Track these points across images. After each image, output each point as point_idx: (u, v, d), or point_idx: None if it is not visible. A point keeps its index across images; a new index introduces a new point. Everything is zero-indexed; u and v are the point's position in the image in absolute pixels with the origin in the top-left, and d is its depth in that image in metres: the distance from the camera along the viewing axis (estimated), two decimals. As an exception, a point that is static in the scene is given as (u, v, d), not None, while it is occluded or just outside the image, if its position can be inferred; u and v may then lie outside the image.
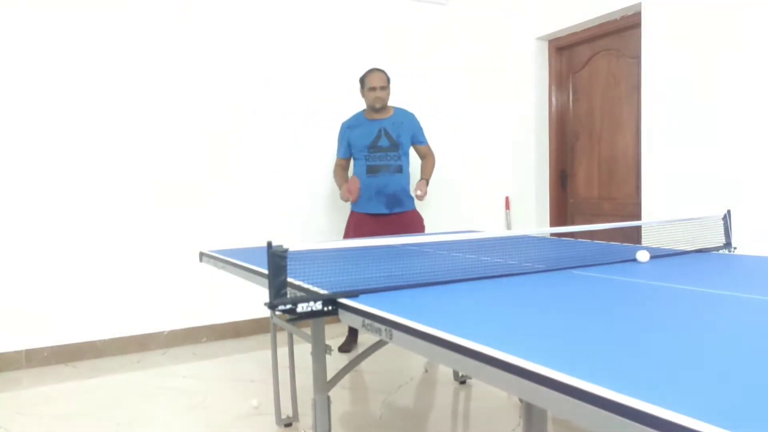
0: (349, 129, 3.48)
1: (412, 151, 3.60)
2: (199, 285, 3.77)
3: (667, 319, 1.04)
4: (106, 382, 3.06)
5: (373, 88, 3.38)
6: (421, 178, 3.45)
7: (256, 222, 3.93)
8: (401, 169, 3.47)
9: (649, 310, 1.12)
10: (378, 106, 3.39)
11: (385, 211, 3.44)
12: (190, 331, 3.76)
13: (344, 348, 3.49)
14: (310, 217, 4.11)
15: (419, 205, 3.72)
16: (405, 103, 4.42)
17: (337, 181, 3.54)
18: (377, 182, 3.41)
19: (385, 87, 3.39)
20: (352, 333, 3.61)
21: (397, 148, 3.43)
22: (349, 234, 3.52)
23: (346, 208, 4.21)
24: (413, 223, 3.52)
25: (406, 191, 3.51)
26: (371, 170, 3.41)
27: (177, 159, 3.69)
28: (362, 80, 3.45)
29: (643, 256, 1.81)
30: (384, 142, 3.41)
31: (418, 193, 3.34)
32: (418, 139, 3.57)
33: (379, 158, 3.41)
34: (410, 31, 4.46)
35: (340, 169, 3.54)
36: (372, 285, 1.44)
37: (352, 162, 3.57)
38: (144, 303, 3.62)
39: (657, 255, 1.91)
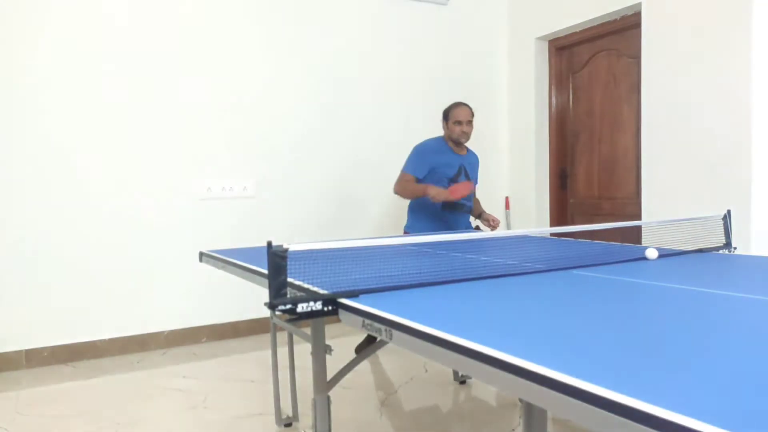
0: (435, 154, 3.32)
1: None
2: (199, 285, 3.77)
3: (667, 319, 1.04)
4: (106, 382, 3.06)
5: (459, 122, 3.30)
6: (483, 211, 3.49)
7: (256, 222, 3.93)
8: (471, 210, 3.45)
9: (649, 309, 1.12)
10: (464, 140, 3.34)
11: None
12: (190, 331, 3.76)
13: (359, 349, 3.42)
14: (311, 216, 4.11)
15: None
16: (404, 103, 4.43)
17: (413, 189, 3.23)
18: (452, 220, 3.34)
19: (471, 121, 3.34)
20: (369, 341, 3.47)
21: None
22: None
23: (349, 206, 4.21)
24: None
25: (470, 222, 3.49)
26: (449, 206, 3.31)
27: (177, 159, 3.69)
28: (447, 113, 3.38)
29: (651, 253, 1.82)
30: (463, 179, 3.36)
31: (492, 223, 3.34)
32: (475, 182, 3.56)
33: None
34: (410, 31, 4.46)
35: (410, 183, 3.26)
36: (372, 285, 1.44)
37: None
38: (144, 303, 3.62)
39: (658, 255, 1.91)
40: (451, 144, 3.39)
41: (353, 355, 3.37)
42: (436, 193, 3.11)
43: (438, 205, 3.29)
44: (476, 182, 3.56)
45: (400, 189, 3.31)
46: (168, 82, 3.65)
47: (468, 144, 3.54)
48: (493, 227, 3.34)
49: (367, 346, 3.45)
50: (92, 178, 3.47)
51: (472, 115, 3.36)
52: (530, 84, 4.47)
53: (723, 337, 0.91)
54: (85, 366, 3.35)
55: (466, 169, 3.40)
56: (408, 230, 3.45)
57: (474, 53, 4.72)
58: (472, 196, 3.44)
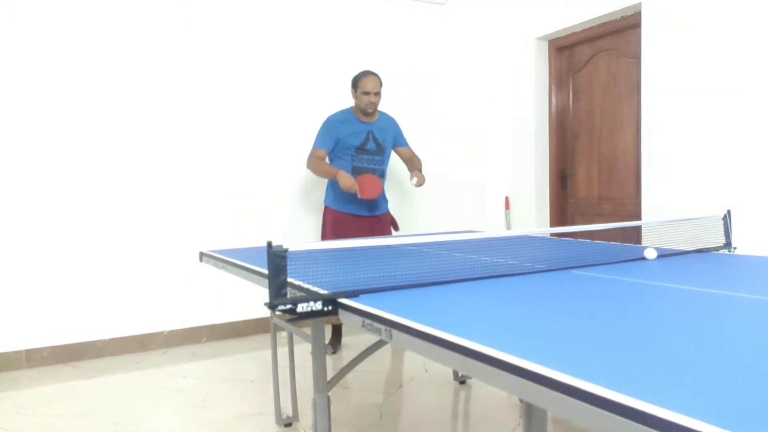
0: (340, 124, 3.37)
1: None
2: (199, 285, 3.77)
3: (667, 318, 1.04)
4: (106, 382, 3.06)
5: (367, 93, 3.32)
6: (415, 170, 3.47)
7: (256, 222, 3.93)
8: (383, 174, 3.49)
9: (649, 309, 1.12)
10: (371, 110, 3.37)
11: (366, 213, 3.44)
12: (190, 331, 3.76)
13: (331, 350, 3.48)
14: (311, 216, 4.11)
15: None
16: (404, 103, 4.43)
17: (324, 170, 3.33)
18: None
19: (379, 92, 3.37)
20: (336, 333, 3.59)
21: (382, 152, 3.45)
22: (326, 231, 3.46)
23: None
24: (387, 224, 3.56)
25: (384, 194, 3.53)
26: (357, 172, 3.36)
27: (177, 159, 3.69)
28: (356, 82, 3.37)
29: (650, 253, 1.82)
30: (371, 145, 3.41)
31: (414, 180, 3.33)
32: (400, 143, 3.59)
33: (366, 161, 3.40)
34: (410, 31, 4.46)
35: (321, 160, 3.36)
36: (372, 285, 1.44)
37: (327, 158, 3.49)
38: (144, 303, 3.62)
39: (657, 255, 1.91)
40: (358, 114, 3.41)
41: (353, 355, 3.38)
42: (346, 186, 3.19)
43: (349, 173, 3.34)
44: (402, 143, 3.60)
45: (312, 166, 3.39)
46: (167, 83, 3.65)
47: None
48: (418, 182, 3.36)
49: (336, 336, 3.50)
50: (92, 178, 3.47)
51: (381, 85, 3.38)
52: (530, 84, 4.47)
53: (723, 337, 0.91)
54: (85, 366, 3.35)
55: (375, 135, 3.43)
56: (328, 205, 3.47)
57: (474, 53, 4.72)
58: (382, 160, 3.45)
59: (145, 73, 3.59)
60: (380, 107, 3.56)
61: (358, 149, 3.37)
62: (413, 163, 3.58)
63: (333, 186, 3.44)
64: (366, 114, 3.39)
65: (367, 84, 3.32)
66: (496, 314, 1.11)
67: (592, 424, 0.68)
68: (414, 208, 4.50)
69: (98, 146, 3.48)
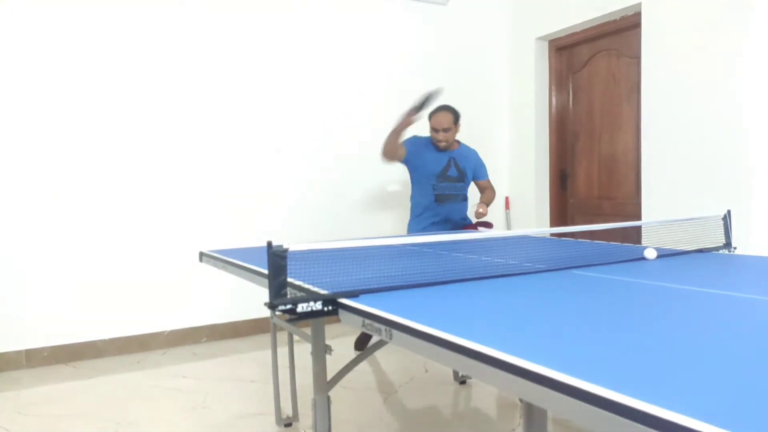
0: (424, 145, 3.39)
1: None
2: (199, 285, 3.77)
3: (667, 318, 1.04)
4: (106, 382, 3.06)
5: (435, 130, 3.32)
6: (481, 201, 3.46)
7: (256, 222, 3.93)
8: (466, 198, 3.50)
9: (649, 309, 1.12)
10: (442, 147, 3.36)
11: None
12: (190, 331, 3.76)
13: (359, 346, 3.52)
14: (311, 217, 4.11)
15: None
16: (404, 103, 4.43)
17: (389, 139, 3.20)
18: (445, 210, 3.42)
19: (449, 128, 3.31)
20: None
21: (464, 178, 3.45)
22: None
23: (349, 208, 4.20)
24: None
25: (467, 216, 3.54)
26: (440, 199, 3.41)
27: (177, 159, 3.69)
28: (429, 117, 3.38)
29: (650, 253, 1.82)
30: (453, 171, 3.41)
31: (480, 210, 3.31)
32: (479, 175, 3.54)
33: (448, 188, 3.42)
34: (410, 31, 4.46)
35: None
36: (372, 285, 1.44)
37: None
38: (144, 303, 3.62)
39: (657, 255, 1.91)
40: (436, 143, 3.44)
41: (353, 355, 3.39)
42: (399, 122, 3.11)
43: (431, 200, 3.40)
44: (482, 176, 3.55)
45: (383, 148, 3.25)
46: (167, 83, 3.65)
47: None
48: (478, 213, 3.30)
49: (366, 339, 3.53)
50: (92, 178, 3.47)
51: (452, 120, 3.33)
52: (530, 84, 4.47)
53: (723, 337, 0.91)
54: (85, 366, 3.35)
55: (457, 162, 3.43)
56: (409, 231, 3.51)
57: (474, 53, 4.72)
58: (464, 185, 3.46)
59: (145, 73, 3.59)
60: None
61: (439, 176, 3.39)
62: (486, 194, 3.55)
63: (412, 209, 3.50)
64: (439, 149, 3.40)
65: (434, 122, 3.32)
66: (496, 314, 1.11)
67: (592, 424, 0.68)
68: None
69: (98, 146, 3.48)
